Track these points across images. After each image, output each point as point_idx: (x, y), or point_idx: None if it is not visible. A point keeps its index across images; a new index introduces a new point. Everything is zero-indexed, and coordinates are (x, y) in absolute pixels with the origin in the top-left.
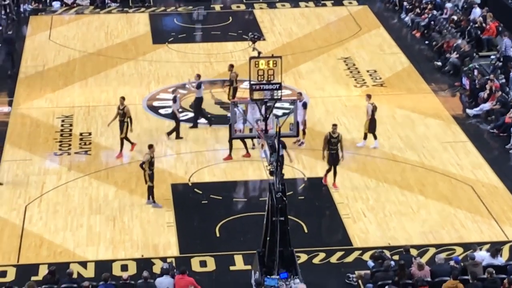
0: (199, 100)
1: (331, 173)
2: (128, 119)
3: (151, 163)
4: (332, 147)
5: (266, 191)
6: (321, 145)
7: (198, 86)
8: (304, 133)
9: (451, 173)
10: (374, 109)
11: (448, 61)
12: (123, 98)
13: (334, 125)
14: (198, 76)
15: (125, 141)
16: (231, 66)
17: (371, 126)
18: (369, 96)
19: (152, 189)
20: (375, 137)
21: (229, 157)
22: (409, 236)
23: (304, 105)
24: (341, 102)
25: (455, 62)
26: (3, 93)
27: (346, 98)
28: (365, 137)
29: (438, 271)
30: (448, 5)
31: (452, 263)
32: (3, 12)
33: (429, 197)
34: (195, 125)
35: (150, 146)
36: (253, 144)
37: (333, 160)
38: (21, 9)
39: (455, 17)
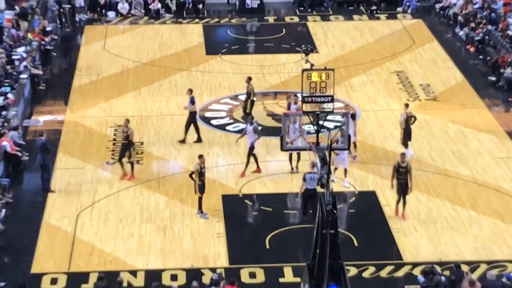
0: (193, 115)
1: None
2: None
3: (201, 174)
4: (401, 176)
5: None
6: (373, 159)
7: (192, 101)
8: (354, 145)
9: (504, 189)
10: (409, 119)
11: (502, 76)
12: (127, 121)
13: (403, 154)
14: (190, 90)
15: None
16: (249, 79)
17: (404, 137)
18: (406, 105)
19: (201, 200)
20: (406, 146)
21: (258, 170)
22: (460, 251)
23: (353, 117)
24: (394, 115)
25: (509, 77)
26: (57, 101)
27: (399, 112)
28: (406, 146)
29: None
30: (510, 20)
31: (504, 279)
32: (58, 21)
33: (481, 213)
34: (199, 139)
35: (200, 156)
36: (292, 168)
37: (402, 190)
38: (77, 19)
39: (510, 32)
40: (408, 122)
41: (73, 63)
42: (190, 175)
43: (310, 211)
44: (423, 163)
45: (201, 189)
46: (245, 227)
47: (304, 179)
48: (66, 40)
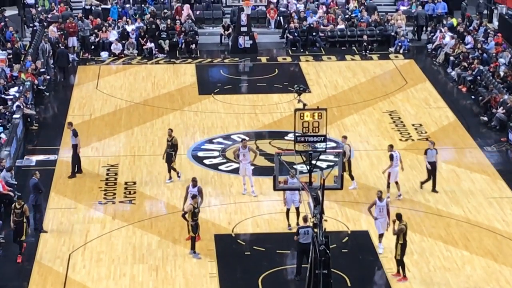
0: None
1: None
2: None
3: (194, 214)
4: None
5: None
6: (366, 198)
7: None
8: (397, 186)
9: (497, 229)
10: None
11: (494, 116)
12: (171, 130)
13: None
14: (171, 130)
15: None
16: (171, 130)
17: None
18: (345, 137)
19: (194, 240)
20: (352, 178)
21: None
22: None
23: (390, 157)
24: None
25: (501, 118)
26: (50, 141)
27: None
28: (352, 178)
29: None
30: (501, 60)
31: None
32: (51, 61)
33: (474, 253)
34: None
35: (194, 197)
36: (289, 225)
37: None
38: (69, 59)
39: (501, 73)
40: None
41: (66, 103)
42: (183, 216)
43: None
44: (416, 203)
45: (194, 229)
46: (238, 267)
47: (298, 234)
48: (60, 57)
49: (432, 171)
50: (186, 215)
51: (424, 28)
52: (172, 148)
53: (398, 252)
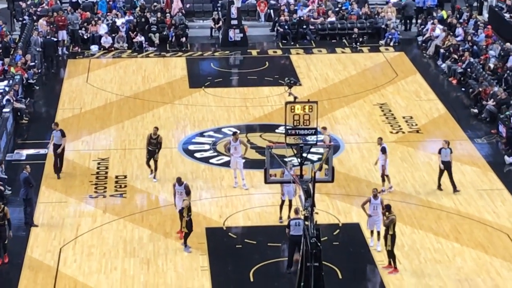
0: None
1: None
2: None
3: (189, 209)
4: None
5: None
6: (356, 191)
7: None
8: (387, 179)
9: (487, 220)
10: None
11: (485, 108)
12: (157, 128)
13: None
14: (156, 128)
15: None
16: (156, 128)
17: None
18: (324, 128)
19: (187, 236)
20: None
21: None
22: (444, 283)
23: (383, 150)
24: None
25: (491, 110)
26: (40, 135)
27: None
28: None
29: None
30: (491, 52)
31: None
32: (42, 60)
33: (464, 245)
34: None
35: (189, 193)
36: (280, 218)
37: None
38: (59, 52)
39: (491, 65)
40: None
41: (56, 97)
42: (180, 212)
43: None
44: (406, 195)
45: (189, 225)
46: (229, 260)
47: (289, 226)
48: (48, 47)
49: (447, 171)
50: (183, 212)
51: (415, 20)
52: (156, 146)
53: (388, 243)
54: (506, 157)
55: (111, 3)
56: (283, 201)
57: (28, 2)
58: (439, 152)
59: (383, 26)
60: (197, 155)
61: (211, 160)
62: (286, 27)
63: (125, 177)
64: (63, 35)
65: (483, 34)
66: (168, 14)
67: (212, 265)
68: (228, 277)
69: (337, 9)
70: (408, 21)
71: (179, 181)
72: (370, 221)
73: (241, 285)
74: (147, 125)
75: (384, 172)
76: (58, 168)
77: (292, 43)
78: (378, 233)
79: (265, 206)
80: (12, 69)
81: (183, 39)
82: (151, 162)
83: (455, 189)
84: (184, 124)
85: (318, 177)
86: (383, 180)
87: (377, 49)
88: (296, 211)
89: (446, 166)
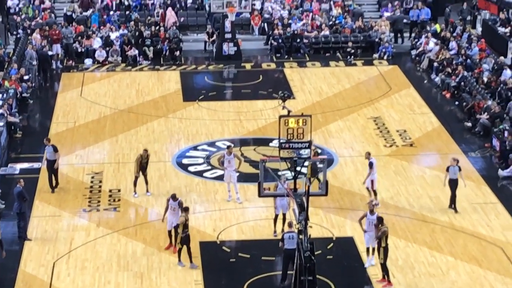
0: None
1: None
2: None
3: (185, 225)
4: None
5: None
6: (350, 204)
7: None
8: (375, 193)
9: (481, 234)
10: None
11: (478, 122)
12: (146, 150)
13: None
14: (146, 150)
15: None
16: (145, 150)
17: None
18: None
19: (180, 251)
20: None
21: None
22: None
23: (370, 165)
24: None
25: (485, 123)
26: (34, 149)
27: (376, 158)
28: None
29: None
30: (485, 66)
31: None
32: (37, 73)
33: (458, 258)
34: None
35: (186, 209)
36: (275, 231)
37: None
38: (53, 66)
39: (485, 79)
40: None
41: (50, 110)
42: (175, 228)
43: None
44: (400, 209)
45: (184, 241)
46: (223, 274)
47: (283, 239)
48: (42, 60)
49: (452, 189)
50: (178, 228)
51: (408, 34)
52: (146, 164)
53: (381, 256)
54: (500, 171)
55: (104, 17)
56: (276, 215)
57: (22, 16)
58: (447, 170)
59: (376, 39)
60: (191, 168)
61: (205, 174)
62: (280, 40)
63: (119, 190)
64: (57, 49)
65: (476, 47)
66: (162, 28)
67: (206, 279)
68: None
69: (330, 22)
70: (398, 34)
71: (173, 197)
72: (367, 237)
73: None
74: (141, 139)
75: (372, 187)
76: (52, 184)
77: (286, 56)
78: (373, 249)
79: (259, 220)
80: (6, 83)
81: (177, 53)
82: (139, 180)
83: (455, 209)
84: (178, 138)
85: (312, 190)
86: (375, 194)
87: (371, 63)
88: (290, 225)
89: (454, 184)
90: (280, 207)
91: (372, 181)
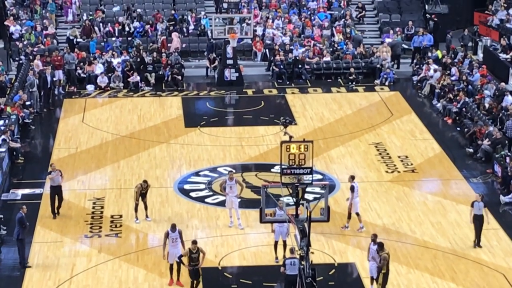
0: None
1: None
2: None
3: (191, 259)
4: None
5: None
6: (352, 230)
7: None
8: (357, 215)
9: (483, 260)
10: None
11: (480, 148)
12: (146, 182)
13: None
14: (146, 181)
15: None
16: (144, 182)
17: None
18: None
19: (193, 284)
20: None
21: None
22: None
23: (351, 189)
24: (372, 187)
25: (487, 149)
26: (35, 174)
27: (377, 183)
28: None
29: None
30: (486, 92)
31: None
32: (39, 100)
33: (460, 285)
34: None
35: (194, 242)
36: (276, 257)
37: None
38: (56, 92)
39: (486, 105)
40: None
41: (52, 136)
42: (179, 258)
43: None
44: (402, 235)
45: (192, 275)
46: None
47: (284, 265)
48: (44, 86)
49: (477, 225)
50: (183, 258)
51: (410, 60)
52: (146, 193)
53: (379, 281)
54: (501, 197)
55: (102, 43)
56: (276, 242)
57: (25, 42)
58: (472, 206)
59: (378, 65)
60: (193, 194)
61: (206, 200)
62: (281, 66)
63: (121, 216)
64: (59, 74)
65: (478, 73)
66: (164, 54)
67: None
68: None
69: (332, 48)
70: (396, 60)
71: (173, 227)
72: (372, 266)
73: None
74: (143, 165)
75: (350, 210)
76: (54, 210)
77: (288, 82)
78: (376, 280)
79: (261, 246)
80: (8, 109)
81: (179, 78)
82: (140, 206)
83: (479, 244)
84: (179, 164)
85: (314, 216)
86: (349, 218)
87: (372, 89)
88: (292, 251)
89: (480, 220)
90: (279, 233)
91: (351, 204)
